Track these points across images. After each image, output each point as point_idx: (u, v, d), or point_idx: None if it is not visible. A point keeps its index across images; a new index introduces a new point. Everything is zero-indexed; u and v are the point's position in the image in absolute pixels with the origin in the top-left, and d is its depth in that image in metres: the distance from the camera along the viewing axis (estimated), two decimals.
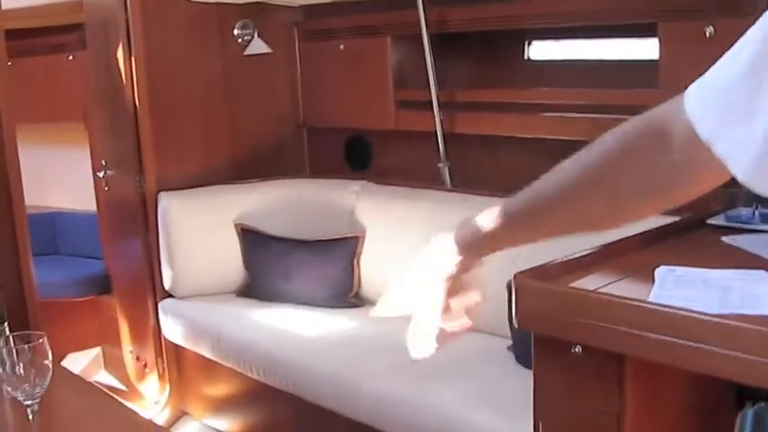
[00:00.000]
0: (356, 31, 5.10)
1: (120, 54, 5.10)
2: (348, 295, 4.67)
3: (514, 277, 2.59)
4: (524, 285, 2.57)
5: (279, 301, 4.73)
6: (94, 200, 6.49)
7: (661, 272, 2.50)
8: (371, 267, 4.66)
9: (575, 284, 2.54)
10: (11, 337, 2.51)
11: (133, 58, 5.03)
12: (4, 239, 4.65)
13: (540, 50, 4.70)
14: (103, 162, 5.53)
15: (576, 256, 2.72)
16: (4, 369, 2.44)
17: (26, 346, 2.45)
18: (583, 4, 4.10)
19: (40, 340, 2.47)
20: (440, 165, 4.71)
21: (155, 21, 5.09)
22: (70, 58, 6.64)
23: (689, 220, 3.17)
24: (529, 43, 4.69)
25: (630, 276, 2.60)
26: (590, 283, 2.55)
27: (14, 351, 2.44)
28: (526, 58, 4.72)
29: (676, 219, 3.15)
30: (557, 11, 4.22)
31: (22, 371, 2.43)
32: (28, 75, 5.36)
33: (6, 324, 2.94)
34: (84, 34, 5.71)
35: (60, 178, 6.93)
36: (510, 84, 4.59)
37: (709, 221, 3.21)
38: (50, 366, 2.47)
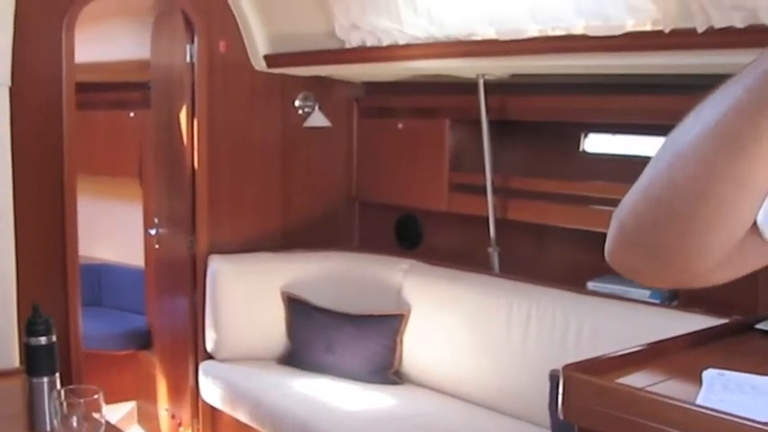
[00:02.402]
0: (415, 111, 5.19)
1: (183, 115, 5.22)
2: (389, 372, 4.69)
3: (562, 369, 2.59)
4: (572, 378, 2.57)
5: (319, 372, 4.75)
6: (142, 255, 6.59)
7: (709, 375, 2.50)
8: (414, 346, 4.68)
9: (622, 381, 2.54)
10: (63, 391, 2.53)
11: (196, 121, 5.15)
12: (56, 288, 4.72)
13: (596, 143, 4.74)
14: (156, 220, 5.63)
15: (624, 352, 2.73)
16: (57, 422, 2.46)
17: (81, 400, 2.47)
18: (640, 101, 4.16)
19: (95, 396, 2.49)
20: (489, 249, 4.75)
21: (220, 86, 5.22)
22: (131, 114, 6.79)
23: (737, 324, 3.17)
24: (585, 135, 4.74)
25: (678, 377, 2.60)
26: (638, 380, 2.55)
27: (67, 405, 2.45)
28: (581, 149, 4.77)
29: (725, 321, 3.15)
30: (613, 107, 4.27)
31: (75, 424, 2.44)
32: (88, 127, 5.48)
33: (57, 375, 2.96)
34: (146, 93, 5.85)
35: (110, 231, 7.02)
36: (564, 174, 4.63)
37: (758, 326, 3.20)
38: (103, 422, 2.49)
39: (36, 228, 4.52)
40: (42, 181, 4.63)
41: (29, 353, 2.92)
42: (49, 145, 4.65)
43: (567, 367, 2.60)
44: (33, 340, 2.91)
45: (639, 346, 2.78)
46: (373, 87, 5.58)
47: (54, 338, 2.95)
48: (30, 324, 2.92)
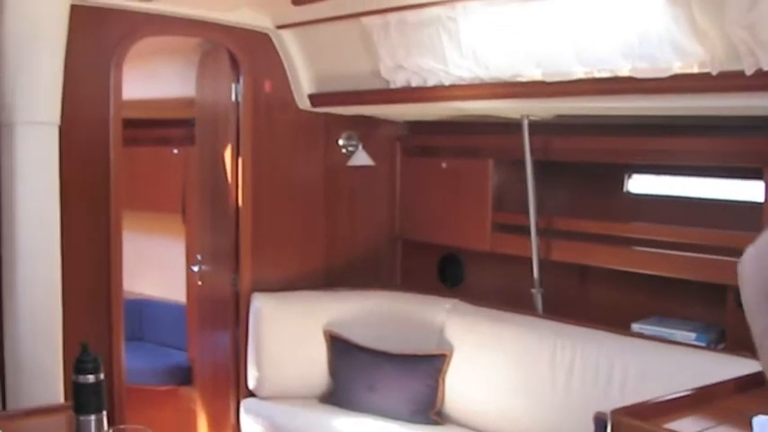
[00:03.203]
0: (459, 150, 5.20)
1: (227, 153, 5.26)
2: (431, 412, 4.66)
3: (611, 413, 2.58)
4: (621, 422, 2.56)
5: (361, 410, 4.74)
6: (184, 291, 6.63)
7: (759, 421, 2.47)
8: (457, 386, 4.66)
9: (670, 426, 2.53)
10: (111, 430, 2.55)
11: (240, 158, 5.20)
12: (100, 323, 4.75)
13: (640, 184, 4.73)
14: (199, 256, 5.66)
15: (673, 397, 2.72)
16: None
17: None
18: (685, 143, 4.15)
19: None
20: (533, 290, 4.74)
21: (264, 124, 5.27)
22: (175, 151, 6.86)
23: None
24: (629, 176, 4.73)
25: (727, 423, 2.59)
26: (687, 426, 2.54)
27: None
28: (625, 190, 4.75)
29: None
30: (658, 148, 4.27)
31: None
32: (132, 163, 5.53)
33: (104, 413, 2.97)
34: (190, 130, 5.91)
35: (152, 266, 7.07)
36: (608, 215, 4.62)
37: None
38: None
39: (82, 263, 4.56)
40: (89, 217, 4.67)
41: (76, 390, 2.94)
42: (95, 181, 4.69)
43: (615, 412, 2.59)
44: (81, 378, 2.93)
45: (687, 390, 2.76)
46: (417, 126, 5.61)
47: (102, 377, 2.97)
48: (78, 362, 2.94)
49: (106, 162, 4.72)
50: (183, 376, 6.43)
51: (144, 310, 7.09)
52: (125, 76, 4.78)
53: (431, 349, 4.79)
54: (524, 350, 4.36)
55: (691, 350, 3.91)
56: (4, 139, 4.07)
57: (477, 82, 4.26)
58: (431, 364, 4.71)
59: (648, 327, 4.23)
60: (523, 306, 4.74)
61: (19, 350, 4.05)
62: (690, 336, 4.08)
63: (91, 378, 2.93)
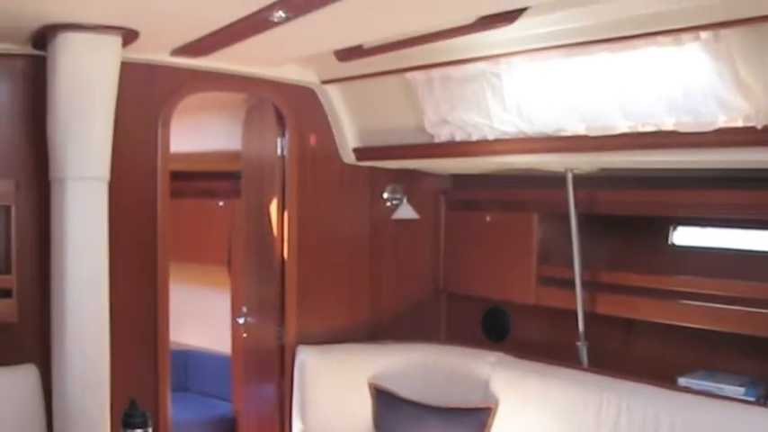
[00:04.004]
0: (503, 204, 5.21)
1: (273, 206, 5.31)
2: None
3: None
4: None
5: None
6: (229, 342, 6.66)
7: None
8: None
9: None
10: None
11: (286, 212, 5.24)
12: (147, 375, 4.79)
13: (685, 236, 4.71)
14: (244, 309, 5.70)
15: None
16: None
17: None
18: (729, 196, 4.14)
19: None
20: (578, 343, 4.72)
21: (309, 178, 5.32)
22: (220, 204, 6.93)
23: None
24: (674, 228, 4.71)
25: None
26: None
27: None
28: (670, 242, 4.74)
29: None
30: (703, 201, 4.26)
31: None
32: (178, 216, 5.59)
33: None
34: (236, 182, 5.97)
35: (197, 318, 7.11)
36: (652, 268, 4.60)
37: None
38: None
39: (130, 315, 4.60)
40: (136, 269, 4.73)
41: None
42: (143, 234, 4.76)
43: None
44: None
45: None
46: (461, 180, 5.63)
47: (150, 431, 3.00)
48: (126, 416, 2.99)
49: (154, 215, 4.79)
50: (228, 428, 6.45)
51: (189, 360, 7.13)
52: (172, 129, 4.86)
53: (476, 402, 4.77)
54: (570, 404, 4.33)
55: (740, 405, 3.86)
56: (55, 194, 4.15)
57: (521, 136, 4.29)
58: (476, 418, 4.69)
59: (696, 381, 4.20)
60: (568, 359, 4.72)
61: (67, 403, 4.09)
62: (739, 390, 4.05)
63: None
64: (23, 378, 4.36)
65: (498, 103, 4.26)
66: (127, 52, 4.20)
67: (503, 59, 4.07)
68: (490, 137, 4.43)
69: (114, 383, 4.21)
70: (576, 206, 4.65)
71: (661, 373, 4.30)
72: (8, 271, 4.40)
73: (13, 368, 4.37)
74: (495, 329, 5.45)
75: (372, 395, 4.99)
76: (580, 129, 4.00)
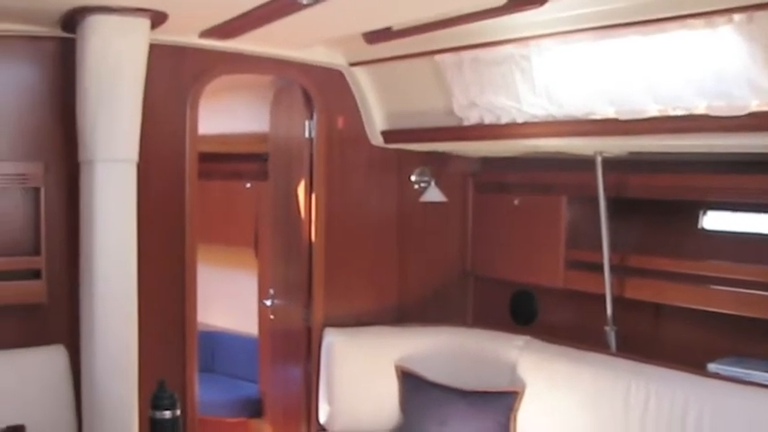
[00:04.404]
0: (532, 187, 5.18)
1: (300, 188, 5.31)
2: None
3: None
4: None
5: None
6: (256, 324, 6.69)
7: None
8: (528, 424, 4.61)
9: None
10: None
11: (313, 194, 5.24)
12: (175, 356, 4.81)
13: (715, 221, 4.67)
14: (271, 291, 5.71)
15: None
16: None
17: None
18: (761, 180, 4.09)
19: None
20: (606, 328, 4.69)
21: (337, 160, 5.31)
22: (248, 185, 6.94)
23: None
24: (704, 212, 4.67)
25: None
26: None
27: None
28: (700, 227, 4.70)
29: None
30: (734, 185, 4.22)
31: None
32: (206, 197, 5.60)
33: None
34: (263, 164, 5.97)
35: (223, 299, 7.14)
36: (682, 252, 4.56)
37: None
38: None
39: (157, 297, 4.63)
40: (164, 250, 4.75)
41: (153, 426, 2.99)
42: (170, 215, 4.78)
43: None
44: (158, 414, 2.99)
45: None
46: (489, 162, 5.61)
47: (178, 413, 3.01)
48: (155, 398, 3.00)
49: (181, 197, 4.81)
50: (254, 409, 6.49)
51: (216, 342, 7.17)
52: (200, 111, 4.87)
53: (503, 386, 4.76)
54: (598, 389, 4.32)
55: None
56: (84, 176, 4.16)
57: (550, 119, 4.26)
58: (503, 402, 4.69)
59: (726, 367, 4.17)
60: (596, 343, 4.70)
61: (96, 384, 4.12)
62: None
63: (167, 414, 2.99)
64: (52, 359, 4.40)
65: (527, 85, 4.23)
66: (155, 34, 4.21)
67: (532, 42, 4.04)
68: (519, 120, 4.41)
69: (142, 365, 4.24)
70: (604, 189, 4.62)
71: (690, 359, 4.27)
72: (38, 252, 4.43)
73: (42, 349, 4.41)
74: (523, 313, 5.42)
75: (399, 378, 4.99)
76: (609, 112, 3.97)
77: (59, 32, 4.34)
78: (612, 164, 4.61)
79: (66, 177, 4.44)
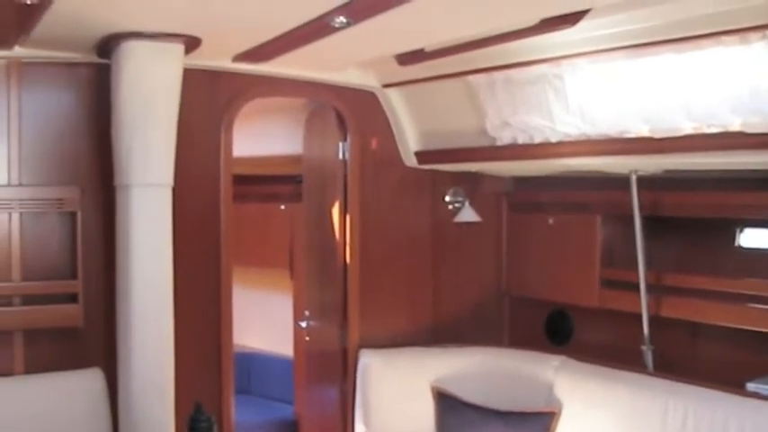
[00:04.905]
0: (566, 206, 5.17)
1: (335, 209, 5.32)
2: None
3: None
4: None
5: None
6: (291, 345, 6.69)
7: None
8: None
9: None
10: None
11: (348, 215, 5.25)
12: (211, 377, 4.83)
13: (753, 238, 4.62)
14: (306, 312, 5.72)
15: None
16: None
17: None
18: None
19: None
20: (643, 347, 4.66)
21: (371, 181, 5.33)
22: (282, 207, 6.96)
23: None
24: (740, 230, 4.63)
25: None
26: None
27: None
28: (737, 244, 4.65)
29: None
30: None
31: None
32: (240, 219, 5.61)
33: None
34: (297, 186, 5.99)
35: (259, 321, 7.16)
36: (719, 270, 4.51)
37: None
38: None
39: (193, 319, 4.65)
40: (200, 273, 4.78)
41: None
42: (206, 238, 4.82)
43: None
44: None
45: None
46: (523, 182, 5.60)
47: None
48: (192, 421, 3.01)
49: (216, 219, 4.84)
50: (290, 430, 6.48)
51: (252, 363, 7.17)
52: (234, 134, 4.90)
53: (539, 407, 4.74)
54: (635, 409, 4.28)
55: None
56: (120, 201, 4.20)
57: (583, 138, 4.25)
58: (539, 422, 4.66)
59: (765, 386, 4.12)
60: (633, 363, 4.66)
61: (133, 407, 4.14)
62: None
63: None
64: (89, 382, 4.44)
65: (561, 105, 4.23)
66: (189, 59, 4.25)
67: (565, 61, 4.04)
68: (553, 139, 4.40)
69: (179, 387, 4.25)
70: (640, 208, 4.59)
71: (728, 378, 4.22)
72: (74, 276, 4.47)
73: (80, 372, 4.44)
74: (559, 333, 5.39)
75: (435, 399, 4.98)
76: (644, 130, 3.96)
77: (95, 59, 4.39)
78: (647, 182, 4.59)
79: (101, 201, 4.48)
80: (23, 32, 3.89)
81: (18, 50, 4.29)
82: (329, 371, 5.43)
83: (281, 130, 6.30)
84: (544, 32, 3.64)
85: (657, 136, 3.89)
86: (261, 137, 6.30)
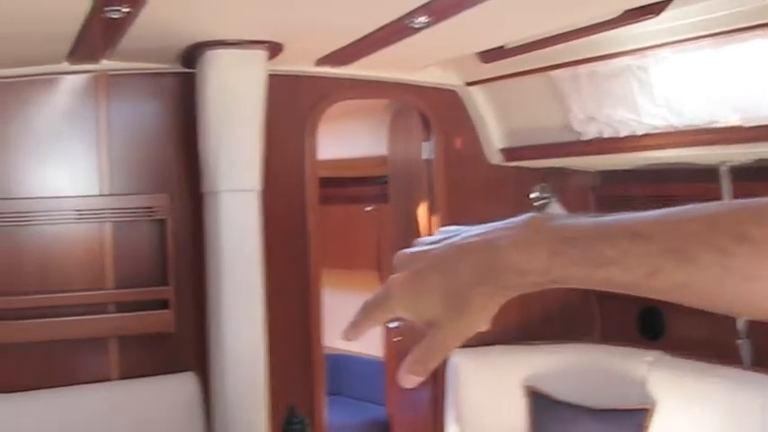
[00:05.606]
0: (655, 199, 5.07)
1: (421, 210, 5.32)
2: None
3: None
4: None
5: None
6: (381, 346, 6.70)
7: None
8: None
9: None
10: None
11: (434, 216, 5.24)
12: (303, 380, 4.87)
13: None
14: None
15: None
16: None
17: None
18: None
19: None
20: (738, 341, 4.56)
21: (456, 180, 5.31)
22: (368, 209, 6.98)
23: None
24: None
25: None
26: None
27: None
28: None
29: None
30: None
31: None
32: (327, 222, 5.65)
33: None
34: (383, 187, 6.00)
35: (348, 322, 7.17)
36: None
37: None
38: None
39: (284, 322, 4.68)
40: (288, 276, 4.81)
41: None
42: (294, 241, 4.86)
43: None
44: None
45: None
46: (610, 175, 5.52)
47: None
48: (286, 424, 3.04)
49: (304, 223, 4.88)
50: (382, 431, 6.49)
51: (343, 365, 7.21)
52: (318, 137, 4.93)
53: (633, 403, 4.67)
54: (733, 405, 4.20)
55: None
56: (208, 207, 4.26)
57: (671, 130, 4.18)
58: (633, 420, 4.59)
59: None
60: (729, 357, 4.57)
61: (226, 411, 4.19)
62: None
63: None
64: (183, 386, 4.50)
65: (646, 97, 4.16)
66: (272, 65, 4.29)
67: (649, 52, 3.98)
68: (639, 132, 4.33)
69: (271, 390, 4.29)
70: (731, 199, 4.50)
71: None
72: (165, 282, 4.55)
73: (173, 376, 4.52)
74: (652, 328, 5.31)
75: (527, 397, 4.95)
76: (733, 120, 3.87)
77: (180, 68, 4.46)
78: (738, 172, 4.49)
79: (189, 208, 4.55)
80: (110, 46, 3.97)
81: (105, 63, 4.38)
82: None
83: (365, 132, 6.33)
84: (627, 24, 3.59)
85: (748, 125, 3.80)
86: (345, 139, 6.33)
